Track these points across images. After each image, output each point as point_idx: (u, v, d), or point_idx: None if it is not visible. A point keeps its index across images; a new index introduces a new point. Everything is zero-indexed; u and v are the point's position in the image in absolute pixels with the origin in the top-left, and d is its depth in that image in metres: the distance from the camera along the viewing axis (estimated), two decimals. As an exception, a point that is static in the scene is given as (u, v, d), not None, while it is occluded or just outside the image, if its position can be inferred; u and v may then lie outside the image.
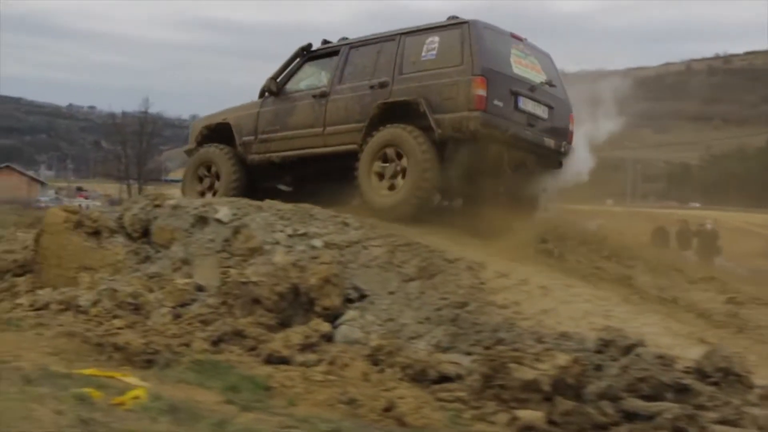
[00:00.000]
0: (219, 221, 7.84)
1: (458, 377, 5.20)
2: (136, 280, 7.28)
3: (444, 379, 5.23)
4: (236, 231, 7.56)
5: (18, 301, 7.48)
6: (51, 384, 4.48)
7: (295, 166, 9.54)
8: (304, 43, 9.78)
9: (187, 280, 7.06)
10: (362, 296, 6.70)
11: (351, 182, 8.56)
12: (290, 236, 7.38)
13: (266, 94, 9.85)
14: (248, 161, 9.72)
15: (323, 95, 9.21)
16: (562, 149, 8.79)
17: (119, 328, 6.49)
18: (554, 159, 8.78)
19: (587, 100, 9.32)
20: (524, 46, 8.79)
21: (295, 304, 6.50)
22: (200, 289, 7.05)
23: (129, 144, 63.09)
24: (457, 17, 8.56)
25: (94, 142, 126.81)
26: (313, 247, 7.18)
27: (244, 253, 7.39)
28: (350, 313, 6.45)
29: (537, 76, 8.70)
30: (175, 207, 8.14)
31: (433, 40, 8.52)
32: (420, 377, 5.24)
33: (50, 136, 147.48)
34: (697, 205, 55.83)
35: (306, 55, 9.78)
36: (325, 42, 9.83)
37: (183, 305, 6.88)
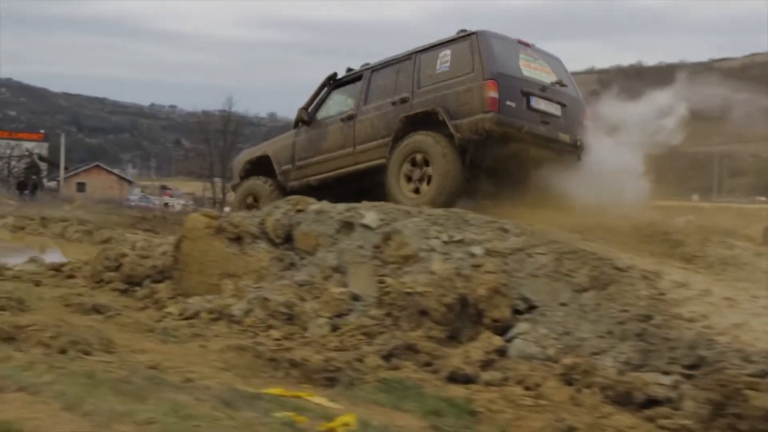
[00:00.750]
0: (366, 227, 7.55)
1: (668, 401, 4.76)
2: (287, 289, 7.05)
3: (652, 402, 4.79)
4: (387, 237, 7.25)
5: (167, 309, 7.34)
6: (248, 406, 4.24)
7: (331, 186, 9.97)
8: (331, 72, 10.48)
9: (342, 289, 6.79)
10: (531, 307, 6.31)
11: (383, 196, 8.88)
12: (446, 243, 7.04)
13: (299, 124, 10.55)
14: (288, 188, 10.30)
15: (351, 117, 9.82)
16: (578, 143, 9.11)
17: (277, 340, 6.29)
18: (572, 153, 9.09)
19: (665, 93, 9.32)
20: (532, 51, 9.30)
21: (463, 315, 6.16)
22: (355, 298, 6.77)
23: (212, 142, 64.13)
24: (465, 30, 9.07)
25: (175, 140, 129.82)
26: (473, 255, 6.82)
27: (397, 260, 7.08)
28: (522, 326, 6.07)
29: (547, 77, 9.17)
30: (318, 212, 7.89)
31: (446, 54, 9.08)
32: (624, 400, 4.83)
33: (133, 135, 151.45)
34: (788, 200, 53.49)
35: (333, 83, 10.48)
36: (349, 70, 10.46)
37: (339, 316, 6.62)
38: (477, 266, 6.61)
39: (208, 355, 5.66)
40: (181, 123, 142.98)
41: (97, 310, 7.25)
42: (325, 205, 8.05)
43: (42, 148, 68.53)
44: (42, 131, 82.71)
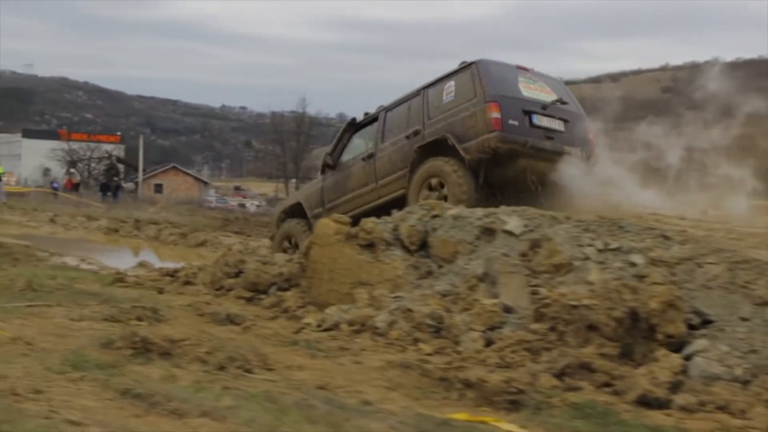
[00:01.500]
0: (509, 233, 7.17)
1: None
2: (431, 300, 6.70)
3: None
4: (535, 244, 6.84)
5: (305, 320, 7.06)
6: (447, 436, 3.90)
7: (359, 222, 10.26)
8: (351, 118, 11.50)
9: (494, 301, 6.39)
10: (706, 322, 5.82)
11: None
12: (601, 251, 6.59)
13: (325, 169, 11.45)
14: None
15: (371, 156, 10.62)
16: (586, 154, 9.65)
17: (428, 354, 5.95)
18: (580, 163, 9.42)
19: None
20: (531, 74, 10.02)
21: (633, 331, 5.70)
22: (508, 310, 6.37)
23: (285, 143, 64.51)
24: (466, 62, 9.85)
25: (245, 141, 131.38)
26: (633, 264, 6.35)
27: (548, 269, 6.66)
28: (700, 343, 5.58)
29: (547, 97, 9.82)
30: (456, 217, 7.53)
31: (450, 85, 9.86)
32: None
33: (204, 136, 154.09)
34: None
35: (353, 128, 11.34)
36: (365, 114, 11.25)
37: (492, 329, 6.24)
38: (641, 277, 6.15)
39: (369, 373, 5.34)
40: (251, 124, 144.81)
41: (231, 320, 7.03)
42: (462, 210, 7.69)
43: (119, 150, 69.98)
44: (119, 133, 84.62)
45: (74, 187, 49.98)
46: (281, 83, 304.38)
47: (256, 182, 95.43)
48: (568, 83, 11.57)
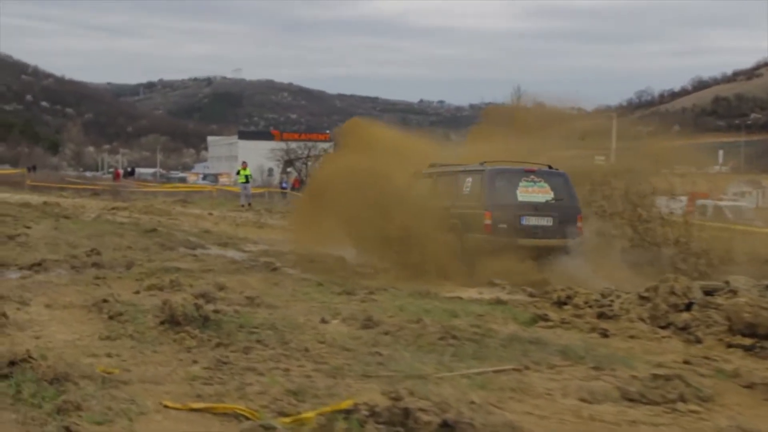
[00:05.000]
0: None
1: None
2: None
3: None
4: None
5: None
6: None
7: None
8: None
9: None
10: None
11: None
12: None
13: None
14: None
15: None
16: (566, 243, 11.72)
17: None
18: (562, 249, 11.65)
19: None
20: (535, 176, 12.06)
21: None
22: None
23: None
24: (484, 163, 12.45)
25: (444, 135, 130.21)
26: None
27: None
28: None
29: (543, 197, 11.98)
30: None
31: (469, 180, 12.44)
32: None
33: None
34: None
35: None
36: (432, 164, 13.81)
37: None
38: None
39: None
40: (449, 117, 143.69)
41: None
42: None
43: (332, 148, 70.51)
44: (327, 131, 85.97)
45: (301, 186, 50.28)
46: (479, 75, 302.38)
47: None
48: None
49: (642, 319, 7.31)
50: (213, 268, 11.16)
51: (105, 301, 7.06)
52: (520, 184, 11.86)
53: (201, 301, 6.61)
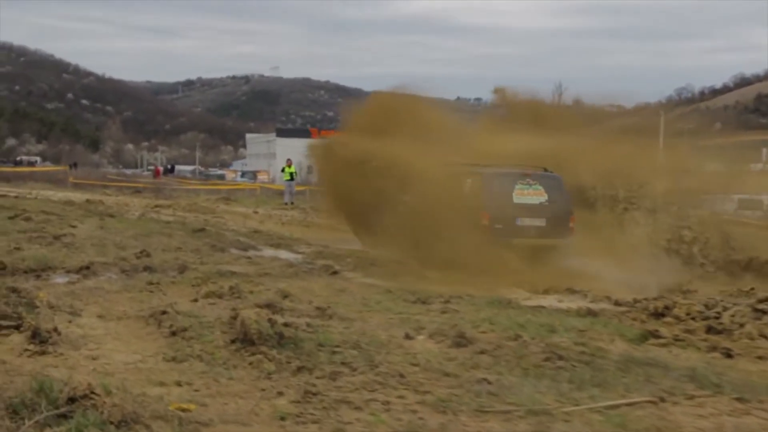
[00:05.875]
0: None
1: None
2: None
3: None
4: None
5: None
6: None
7: None
8: None
9: None
10: None
11: None
12: None
13: None
14: None
15: None
16: (558, 241, 12.59)
17: None
18: (554, 246, 12.53)
19: None
20: (530, 178, 12.82)
21: None
22: None
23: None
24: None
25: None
26: None
27: None
28: None
29: (537, 199, 12.73)
30: None
31: (476, 180, 13.15)
32: None
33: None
34: None
35: None
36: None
37: None
38: None
39: None
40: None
41: None
42: None
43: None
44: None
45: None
46: (517, 73, 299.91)
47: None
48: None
49: (764, 336, 6.42)
50: (270, 272, 10.45)
51: (164, 312, 6.32)
52: (517, 186, 12.61)
53: (274, 315, 5.88)
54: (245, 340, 5.12)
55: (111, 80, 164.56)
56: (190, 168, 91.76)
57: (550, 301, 9.46)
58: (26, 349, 4.99)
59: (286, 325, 5.75)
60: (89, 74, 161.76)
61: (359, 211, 14.48)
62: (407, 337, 6.20)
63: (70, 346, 5.19)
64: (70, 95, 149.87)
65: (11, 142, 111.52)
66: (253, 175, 79.28)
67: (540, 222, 12.52)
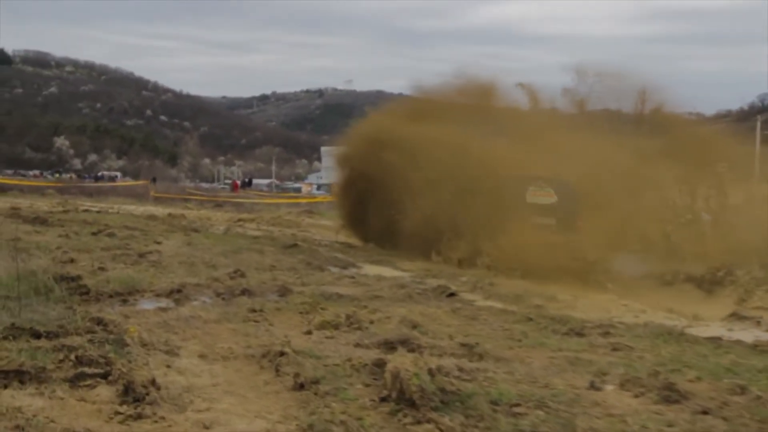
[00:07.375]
0: None
1: None
2: None
3: None
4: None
5: None
6: None
7: None
8: None
9: None
10: None
11: None
12: None
13: None
14: None
15: None
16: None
17: None
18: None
19: None
20: (542, 181, 13.86)
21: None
22: None
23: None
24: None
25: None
26: None
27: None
28: None
29: (548, 200, 13.78)
30: None
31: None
32: None
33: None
34: None
35: None
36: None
37: None
38: None
39: None
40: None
41: None
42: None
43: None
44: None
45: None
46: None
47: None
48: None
49: None
50: (380, 295, 9.17)
51: (282, 354, 5.07)
52: (530, 188, 13.82)
53: (419, 357, 4.56)
54: (402, 399, 3.82)
55: (188, 96, 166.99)
56: (266, 181, 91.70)
57: (717, 329, 7.94)
58: (117, 412, 3.79)
59: (440, 372, 4.44)
60: (167, 91, 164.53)
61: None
62: (593, 386, 4.81)
63: (172, 405, 3.96)
64: (149, 112, 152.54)
65: (93, 157, 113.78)
66: (329, 187, 78.63)
67: (550, 221, 13.47)
